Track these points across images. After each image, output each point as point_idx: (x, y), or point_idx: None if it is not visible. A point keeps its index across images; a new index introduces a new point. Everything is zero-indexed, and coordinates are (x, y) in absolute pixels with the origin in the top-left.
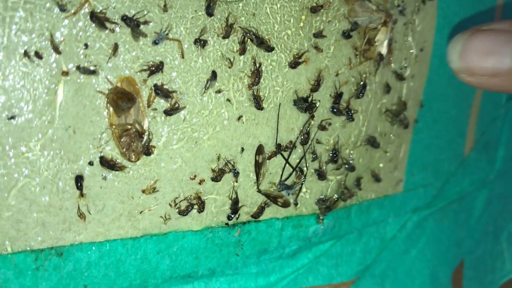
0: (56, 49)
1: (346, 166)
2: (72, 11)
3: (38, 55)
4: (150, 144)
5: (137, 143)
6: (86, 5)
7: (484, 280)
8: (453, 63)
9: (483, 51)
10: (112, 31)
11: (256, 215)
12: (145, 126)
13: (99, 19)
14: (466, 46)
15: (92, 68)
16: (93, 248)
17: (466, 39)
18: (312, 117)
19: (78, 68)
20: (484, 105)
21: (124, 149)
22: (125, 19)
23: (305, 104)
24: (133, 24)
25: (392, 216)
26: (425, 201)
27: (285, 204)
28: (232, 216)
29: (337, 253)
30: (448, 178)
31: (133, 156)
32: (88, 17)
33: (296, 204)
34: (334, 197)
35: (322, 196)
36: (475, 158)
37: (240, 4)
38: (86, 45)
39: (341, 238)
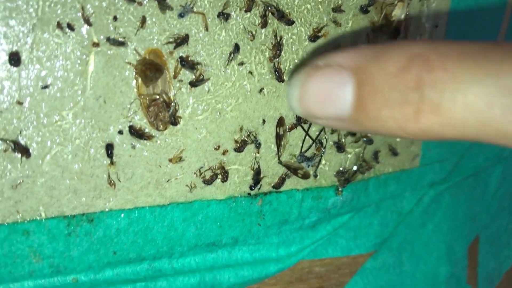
0: (87, 21)
1: (364, 139)
2: None
3: (70, 26)
4: (177, 114)
5: (164, 113)
6: None
7: (499, 255)
8: (295, 109)
9: (319, 97)
10: (140, 4)
11: (277, 186)
12: (172, 97)
13: None
14: (302, 92)
15: (121, 39)
16: (122, 215)
17: (302, 84)
18: None
19: (108, 39)
20: None
21: (152, 119)
22: None
23: None
24: None
25: (409, 190)
26: (441, 176)
27: (305, 176)
28: (254, 186)
29: (355, 226)
30: (464, 154)
31: (161, 125)
32: None
33: (315, 176)
34: (352, 169)
35: (341, 168)
36: None
37: None
38: (115, 18)
39: (359, 211)
